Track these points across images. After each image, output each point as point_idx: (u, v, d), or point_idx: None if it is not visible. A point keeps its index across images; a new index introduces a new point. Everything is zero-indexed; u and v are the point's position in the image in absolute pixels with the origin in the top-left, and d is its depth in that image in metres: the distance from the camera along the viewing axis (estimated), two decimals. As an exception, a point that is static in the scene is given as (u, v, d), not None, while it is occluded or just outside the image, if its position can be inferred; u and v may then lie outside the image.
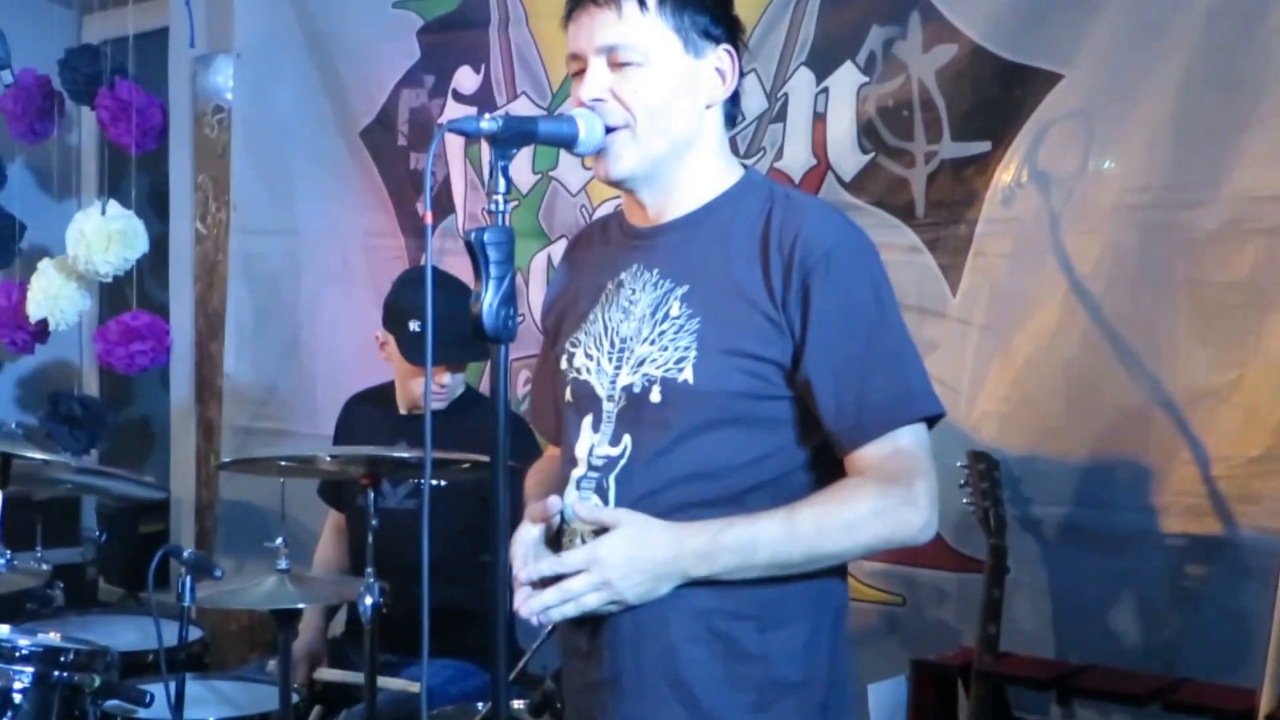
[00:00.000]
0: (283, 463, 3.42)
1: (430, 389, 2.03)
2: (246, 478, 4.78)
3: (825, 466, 2.19)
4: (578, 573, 2.11)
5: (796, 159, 3.74)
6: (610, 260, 2.36)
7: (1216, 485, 3.10)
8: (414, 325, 3.76)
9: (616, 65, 2.21)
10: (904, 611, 3.58)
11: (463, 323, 3.66)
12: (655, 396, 2.19)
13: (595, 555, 2.11)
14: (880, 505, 2.12)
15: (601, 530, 2.14)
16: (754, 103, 3.80)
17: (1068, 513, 3.30)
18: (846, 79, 3.66)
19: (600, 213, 4.13)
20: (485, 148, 2.08)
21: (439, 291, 3.72)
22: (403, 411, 3.94)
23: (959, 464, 3.22)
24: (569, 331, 2.38)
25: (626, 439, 2.22)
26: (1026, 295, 3.37)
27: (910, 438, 2.16)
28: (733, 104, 2.31)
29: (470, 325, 2.02)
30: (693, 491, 2.16)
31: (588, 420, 2.28)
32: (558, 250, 4.29)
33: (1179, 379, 3.16)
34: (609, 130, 2.20)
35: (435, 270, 3.93)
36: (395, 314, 3.85)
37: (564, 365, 2.36)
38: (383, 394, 4.01)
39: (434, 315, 3.58)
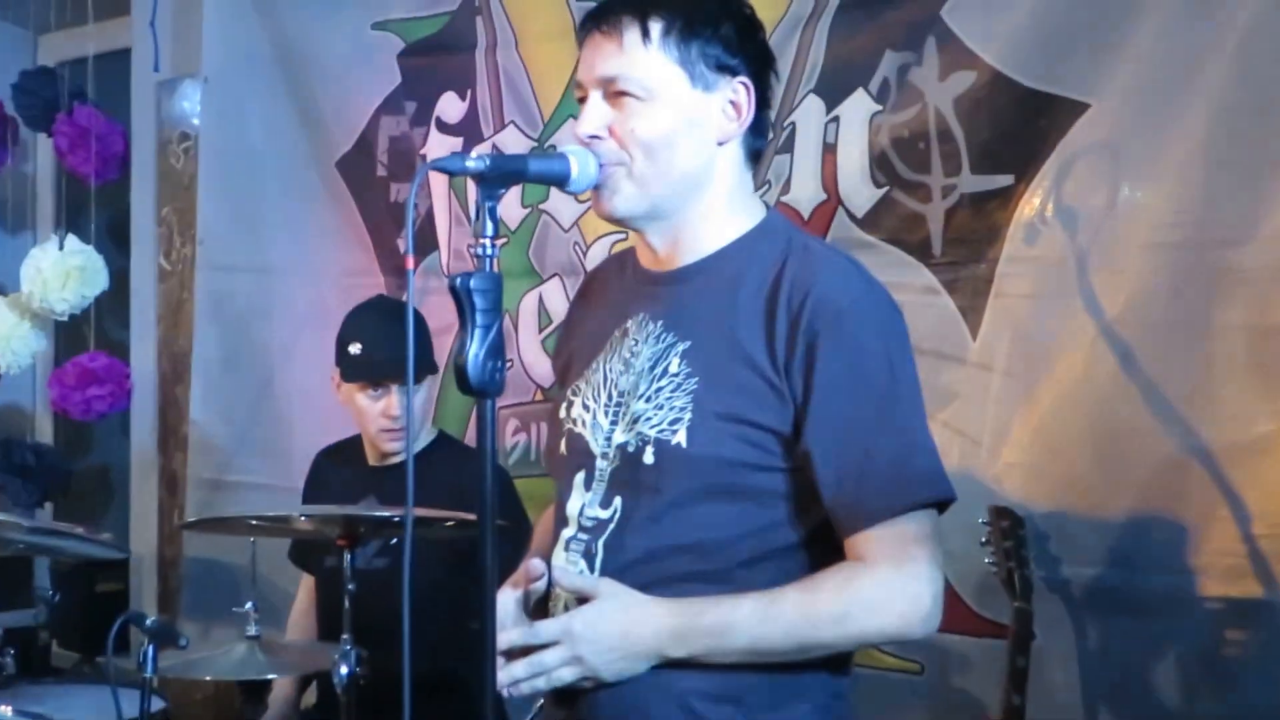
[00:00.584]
0: (253, 522, 3.43)
1: (411, 447, 2.04)
2: (214, 535, 4.78)
3: (825, 547, 2.19)
4: (551, 645, 2.14)
5: (804, 193, 3.76)
6: (621, 303, 2.37)
7: (1258, 544, 3.10)
8: (354, 349, 3.80)
9: (615, 98, 2.22)
10: (922, 680, 3.58)
11: (399, 341, 3.66)
12: (648, 458, 2.19)
13: (569, 628, 2.14)
14: (874, 597, 2.12)
15: (584, 599, 2.16)
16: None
17: (1098, 574, 3.30)
18: (858, 107, 3.68)
19: (595, 250, 4.17)
20: (471, 182, 2.09)
21: (382, 314, 3.83)
22: (372, 463, 3.95)
23: (980, 520, 3.23)
24: (574, 377, 2.40)
25: (618, 501, 2.23)
26: (1051, 339, 3.38)
27: (916, 524, 2.15)
28: (756, 137, 2.31)
29: (455, 373, 2.00)
30: (680, 565, 2.17)
31: (580, 477, 2.29)
32: (549, 290, 4.32)
33: (1217, 430, 3.16)
34: (604, 167, 2.21)
35: (383, 299, 4.00)
36: (339, 342, 3.88)
37: (562, 413, 2.37)
38: (351, 447, 4.02)
39: (385, 348, 3.70)
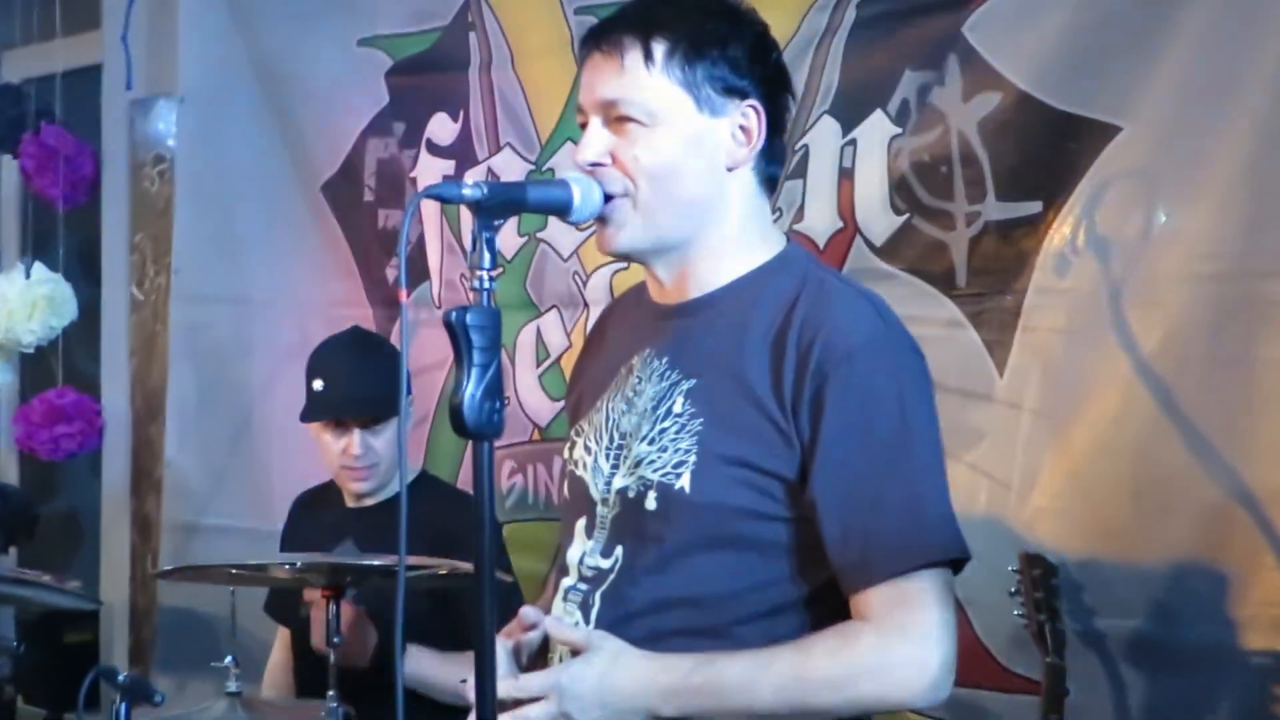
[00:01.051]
0: (233, 570, 3.42)
1: (405, 490, 2.04)
2: (191, 584, 4.77)
3: (831, 605, 2.18)
4: (537, 699, 2.14)
5: (819, 221, 3.76)
6: (630, 339, 2.38)
7: (1307, 594, 3.10)
8: (316, 385, 3.81)
9: (617, 123, 2.22)
10: (946, 740, 3.57)
11: (368, 380, 3.73)
12: (651, 504, 2.20)
13: (557, 683, 2.14)
14: (876, 662, 2.11)
15: (578, 651, 2.17)
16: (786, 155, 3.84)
17: (1136, 626, 3.29)
18: (876, 130, 3.68)
19: (595, 280, 4.18)
20: (465, 209, 2.09)
21: (350, 348, 3.82)
22: (349, 504, 3.95)
23: (1010, 569, 3.22)
24: (580, 415, 2.41)
25: (619, 551, 2.23)
26: (1084, 376, 3.38)
27: (926, 583, 2.13)
28: (770, 163, 2.30)
29: (450, 414, 1.99)
30: (677, 619, 2.18)
31: (581, 523, 2.30)
32: (547, 323, 4.32)
33: (1261, 472, 3.16)
34: (608, 198, 2.21)
35: (356, 331, 3.99)
36: (306, 377, 3.88)
37: (566, 454, 2.39)
38: (329, 490, 4.01)
39: (346, 385, 3.69)
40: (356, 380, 3.78)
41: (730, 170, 2.27)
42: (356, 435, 3.78)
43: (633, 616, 2.19)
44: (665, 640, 2.16)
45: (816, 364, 2.13)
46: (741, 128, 2.26)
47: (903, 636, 2.11)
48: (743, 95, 2.25)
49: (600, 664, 2.14)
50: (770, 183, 2.32)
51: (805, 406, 2.13)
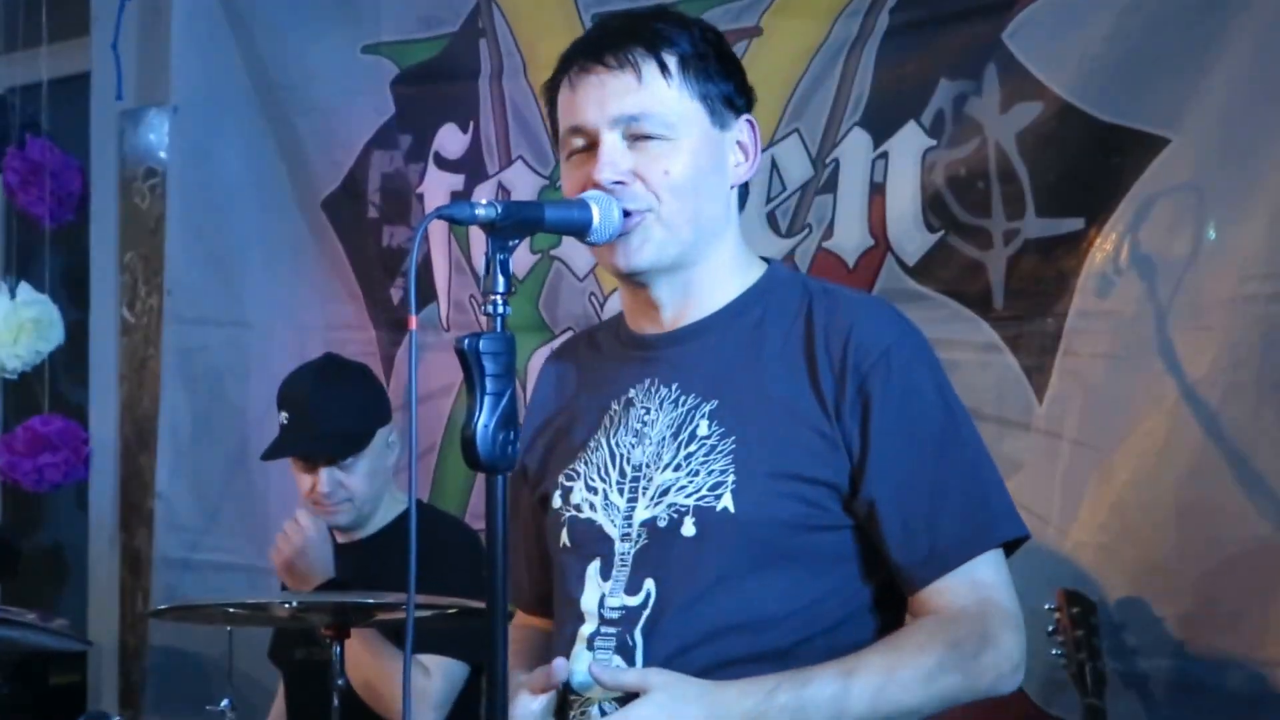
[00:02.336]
0: (230, 609, 3.45)
1: (415, 524, 2.07)
2: (184, 623, 4.79)
3: (888, 614, 2.26)
4: None
5: (849, 238, 3.80)
6: (611, 377, 2.41)
7: (1362, 635, 3.13)
8: (281, 418, 3.85)
9: (636, 139, 2.27)
10: (983, 787, 3.59)
11: (333, 413, 3.75)
12: (688, 530, 2.22)
13: None
14: (955, 654, 2.17)
15: (630, 697, 2.15)
16: (798, 170, 3.88)
17: (1179, 667, 3.32)
18: (910, 143, 3.72)
19: (613, 301, 4.19)
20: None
21: (318, 379, 3.83)
22: (340, 540, 3.97)
23: (1047, 606, 3.25)
24: (560, 464, 2.40)
25: (649, 584, 2.25)
26: (1127, 404, 3.41)
27: (990, 567, 2.22)
28: (743, 185, 2.40)
29: (462, 446, 2.02)
30: (735, 646, 2.20)
31: (594, 567, 2.30)
32: (563, 346, 4.34)
33: (1315, 506, 3.19)
34: (627, 215, 2.25)
35: (329, 359, 4.00)
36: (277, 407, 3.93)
37: (558, 503, 2.38)
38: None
39: (309, 422, 3.70)
40: (320, 414, 3.79)
41: (732, 187, 2.36)
42: (323, 473, 3.78)
43: (687, 649, 2.20)
44: (726, 669, 2.18)
45: (854, 365, 2.22)
46: (739, 143, 2.35)
47: (983, 622, 2.18)
48: (740, 111, 2.35)
49: (669, 701, 2.12)
50: (741, 203, 2.41)
51: (849, 409, 2.21)
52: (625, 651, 2.23)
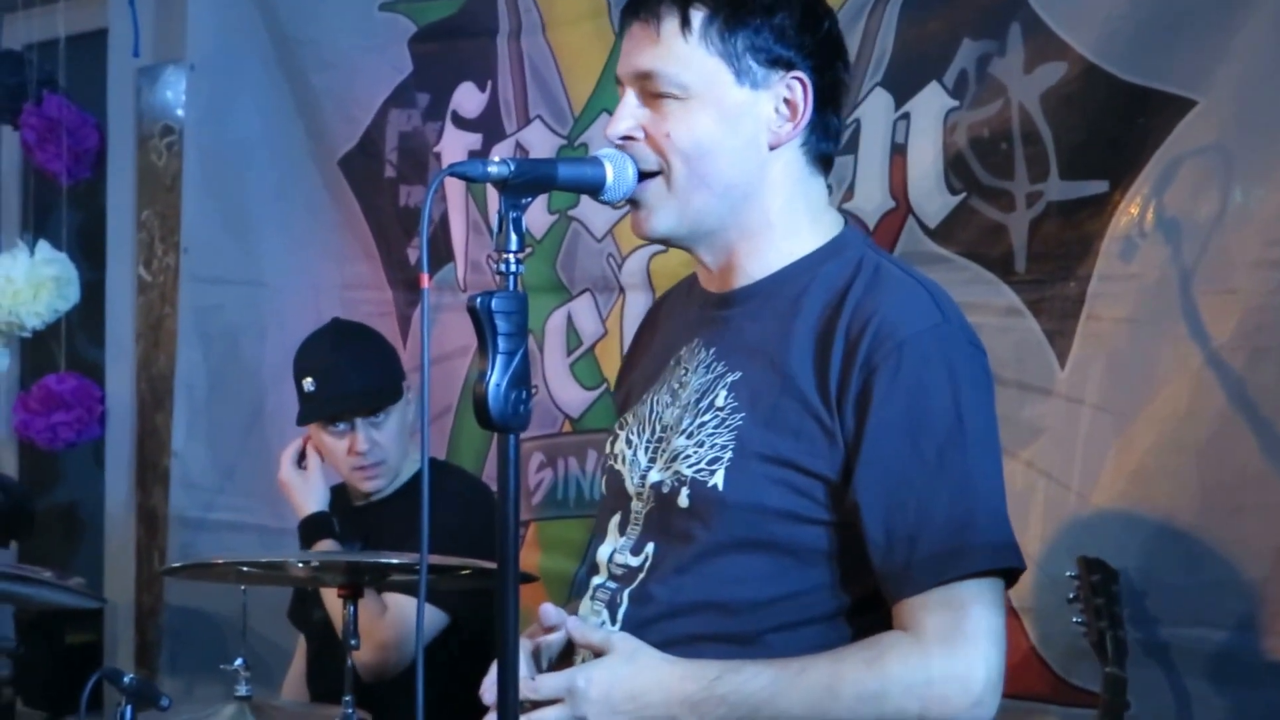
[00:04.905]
0: (244, 568, 3.46)
1: (428, 484, 2.06)
2: (199, 581, 4.81)
3: (874, 617, 2.20)
4: (553, 701, 2.16)
5: (870, 200, 3.77)
6: (681, 329, 2.41)
7: (1389, 604, 3.11)
8: (307, 385, 3.86)
9: (652, 97, 2.25)
10: (1000, 754, 3.58)
11: (361, 370, 3.80)
12: (683, 501, 2.23)
13: (572, 685, 2.16)
14: (916, 677, 2.12)
15: (600, 653, 2.19)
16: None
17: (1203, 636, 3.30)
18: (931, 103, 3.69)
19: (631, 263, 4.19)
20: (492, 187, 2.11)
21: (335, 341, 3.83)
22: (355, 503, 3.98)
23: (1068, 574, 3.23)
24: (626, 408, 2.44)
25: (650, 548, 2.27)
26: (1150, 369, 3.38)
27: (974, 592, 2.15)
28: (822, 140, 2.31)
29: (474, 405, 2.01)
30: (705, 623, 2.20)
31: (616, 519, 2.34)
32: (579, 307, 4.34)
33: (1342, 473, 3.16)
34: (641, 176, 2.23)
35: (337, 324, 4.01)
36: (294, 379, 3.93)
37: (607, 448, 2.42)
38: (337, 492, 4.04)
39: (339, 380, 3.72)
40: (348, 373, 3.83)
41: (773, 149, 2.28)
42: (360, 432, 3.82)
43: (659, 618, 2.21)
44: (692, 645, 2.19)
45: (865, 355, 2.15)
46: (786, 101, 2.27)
47: (946, 649, 2.12)
48: (788, 66, 2.26)
49: (620, 666, 2.16)
50: (823, 161, 2.33)
51: (851, 401, 2.15)
52: (613, 609, 2.27)
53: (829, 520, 2.18)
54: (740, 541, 2.19)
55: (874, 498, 2.14)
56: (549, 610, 2.28)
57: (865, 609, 2.20)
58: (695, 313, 2.39)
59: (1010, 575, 2.20)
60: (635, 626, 2.21)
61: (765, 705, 2.13)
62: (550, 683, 2.17)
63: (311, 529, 3.84)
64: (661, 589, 2.22)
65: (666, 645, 2.18)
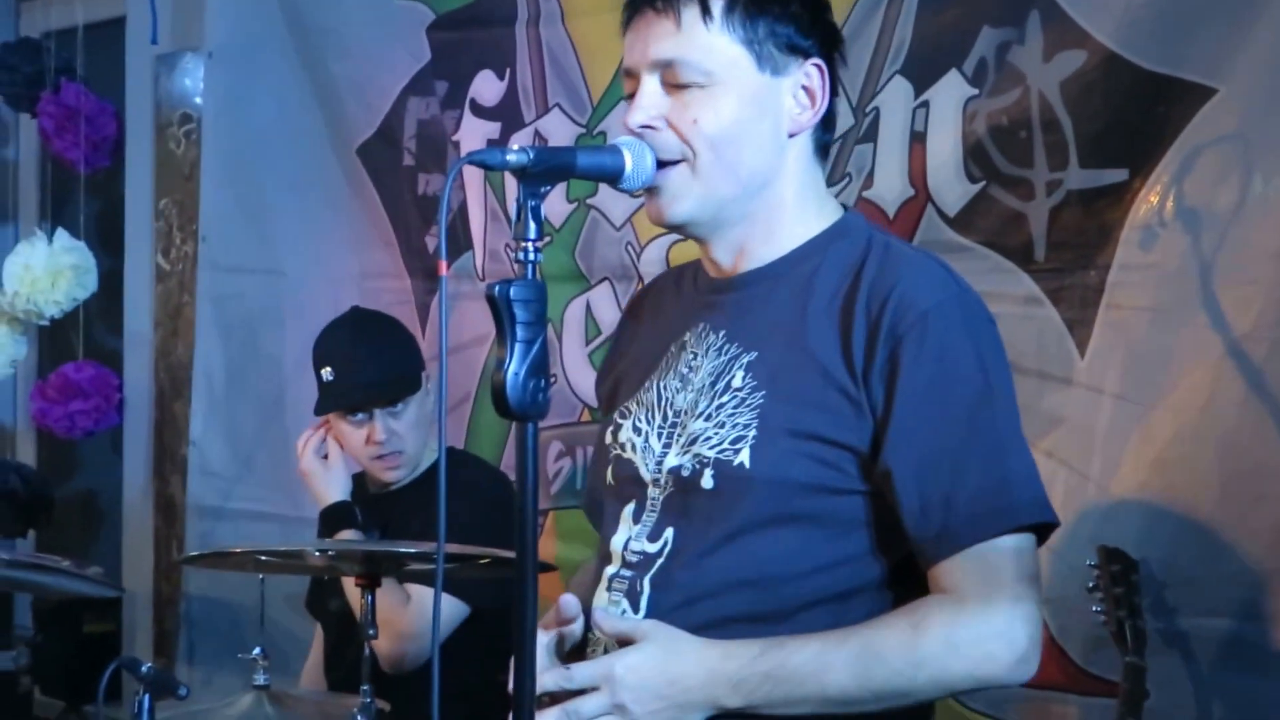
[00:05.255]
0: (262, 557, 3.46)
1: (444, 474, 2.06)
2: (217, 571, 4.83)
3: (906, 588, 2.21)
4: (589, 690, 2.15)
5: (890, 188, 3.78)
6: (678, 318, 2.41)
7: None
8: (326, 374, 3.87)
9: (673, 86, 2.25)
10: (1019, 745, 3.59)
11: (380, 360, 3.81)
12: (707, 482, 2.22)
13: (610, 672, 2.15)
14: (962, 637, 2.13)
15: (626, 643, 2.18)
16: (839, 119, 3.82)
17: (1222, 626, 3.29)
18: (951, 91, 3.69)
19: (650, 251, 4.19)
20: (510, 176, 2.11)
21: (354, 330, 3.84)
22: (372, 491, 3.99)
23: (1088, 564, 3.24)
24: (623, 399, 2.44)
25: (669, 533, 2.26)
26: (1171, 358, 3.38)
27: (1011, 552, 2.17)
28: (824, 130, 2.35)
29: (492, 394, 2.02)
30: (738, 603, 2.20)
31: (629, 509, 2.33)
32: (597, 296, 4.34)
33: (1363, 464, 3.16)
34: (661, 165, 2.24)
35: (356, 312, 4.01)
36: (313, 368, 3.94)
37: (609, 439, 2.41)
38: (355, 480, 4.05)
39: (358, 370, 3.72)
40: (368, 363, 3.83)
41: (791, 136, 2.30)
42: (378, 422, 3.83)
43: (691, 602, 2.20)
44: (727, 627, 2.18)
45: (889, 327, 2.17)
46: (804, 89, 2.29)
47: (988, 607, 2.13)
48: (805, 54, 2.29)
49: (658, 652, 2.15)
50: (823, 150, 2.37)
51: (878, 372, 2.17)
52: (634, 597, 2.26)
53: (858, 491, 2.20)
54: (769, 518, 2.19)
55: (906, 464, 2.16)
56: (570, 601, 2.29)
57: (897, 580, 2.21)
58: (695, 299, 2.40)
59: (1043, 532, 2.22)
60: (662, 613, 2.21)
61: (812, 678, 2.12)
62: (586, 671, 2.17)
63: (334, 518, 3.85)
64: (687, 573, 2.22)
65: (697, 629, 2.17)
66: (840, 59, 2.36)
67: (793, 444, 2.19)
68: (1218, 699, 3.31)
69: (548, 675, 2.18)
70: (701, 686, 2.14)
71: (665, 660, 2.15)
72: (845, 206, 2.41)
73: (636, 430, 2.35)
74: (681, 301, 2.45)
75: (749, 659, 2.14)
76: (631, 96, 2.30)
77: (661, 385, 2.35)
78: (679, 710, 2.15)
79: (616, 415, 2.42)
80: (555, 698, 2.17)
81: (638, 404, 2.38)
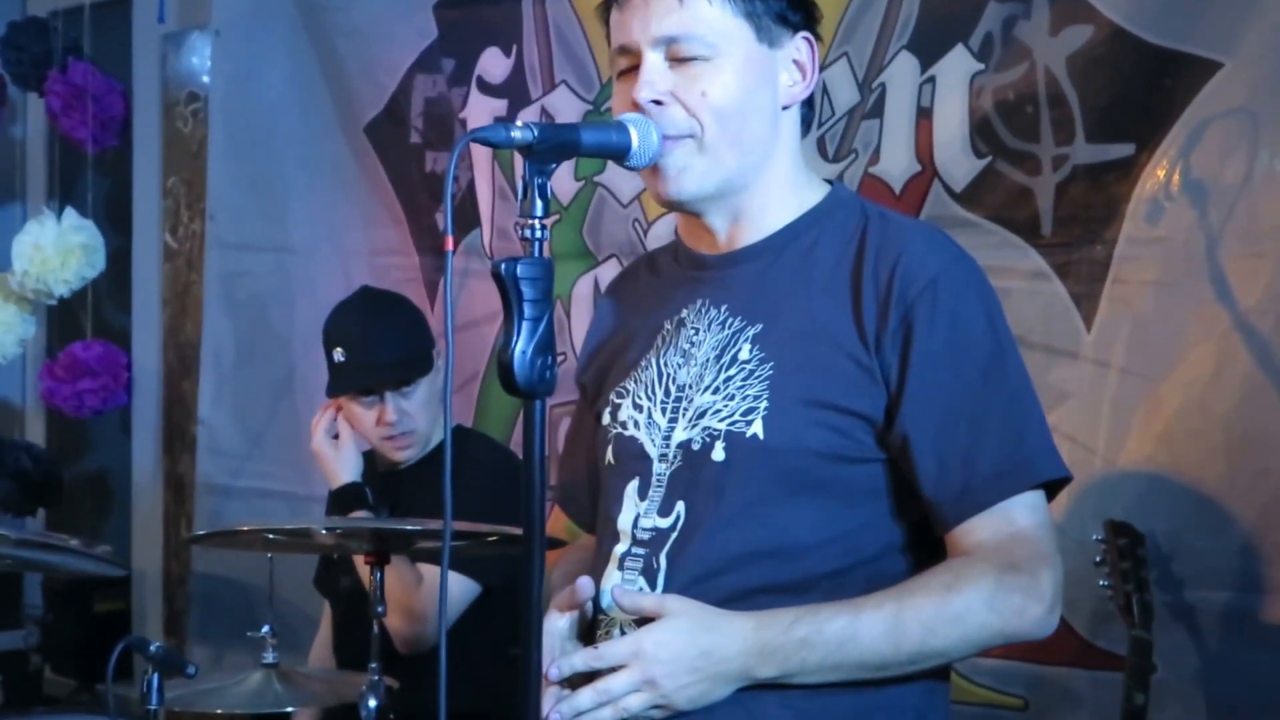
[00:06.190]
0: (271, 535, 3.48)
1: (450, 452, 2.07)
2: (226, 549, 4.84)
3: (921, 553, 2.24)
4: (618, 669, 2.15)
5: (896, 164, 3.79)
6: (667, 297, 2.42)
7: None
8: (337, 356, 3.87)
9: (677, 61, 2.26)
10: (1025, 718, 3.60)
11: (391, 341, 3.81)
12: (718, 454, 2.24)
13: (640, 649, 2.15)
14: (995, 594, 2.15)
15: (647, 621, 2.18)
16: (845, 95, 3.86)
17: (1229, 599, 3.31)
18: (957, 66, 3.69)
19: (657, 228, 4.20)
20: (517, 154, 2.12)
21: (365, 311, 3.84)
22: (381, 470, 4.01)
23: (1095, 538, 3.26)
24: (615, 381, 2.44)
25: (680, 507, 2.27)
26: (1177, 332, 3.39)
27: (1029, 508, 2.20)
28: (807, 106, 2.39)
29: (500, 371, 2.03)
30: (759, 574, 2.21)
31: (633, 486, 2.33)
32: (605, 274, 4.34)
33: (1368, 437, 3.17)
34: (667, 139, 2.25)
35: (366, 292, 4.01)
36: (324, 349, 3.95)
37: (606, 419, 2.42)
38: (365, 458, 4.06)
39: (369, 351, 3.73)
40: (379, 344, 3.84)
41: (785, 108, 2.34)
42: (389, 403, 3.84)
43: (710, 575, 2.21)
44: (750, 599, 2.19)
45: (899, 293, 2.20)
46: (795, 62, 2.33)
47: (1013, 563, 2.16)
48: (796, 27, 2.32)
49: (686, 625, 2.15)
50: (806, 125, 2.40)
51: (890, 338, 2.20)
52: (650, 574, 2.26)
53: (872, 458, 2.22)
54: (785, 487, 2.20)
55: (923, 428, 2.18)
56: (587, 583, 2.28)
57: (912, 547, 2.24)
58: (685, 276, 2.41)
59: (1053, 489, 2.25)
60: (681, 587, 2.21)
61: (848, 642, 2.13)
62: (615, 649, 2.16)
63: (345, 499, 3.86)
64: (703, 547, 2.22)
65: (719, 603, 2.17)
66: (819, 37, 2.38)
67: (806, 413, 2.21)
68: (1225, 672, 3.32)
69: (577, 656, 2.19)
70: (736, 657, 2.14)
71: (696, 633, 2.14)
72: (830, 181, 2.43)
73: (637, 407, 2.36)
74: (664, 281, 2.46)
75: (783, 627, 2.14)
76: (623, 75, 2.32)
77: (662, 362, 2.36)
78: (712, 683, 2.15)
79: (613, 395, 2.42)
80: (586, 678, 2.17)
81: (635, 382, 2.39)
